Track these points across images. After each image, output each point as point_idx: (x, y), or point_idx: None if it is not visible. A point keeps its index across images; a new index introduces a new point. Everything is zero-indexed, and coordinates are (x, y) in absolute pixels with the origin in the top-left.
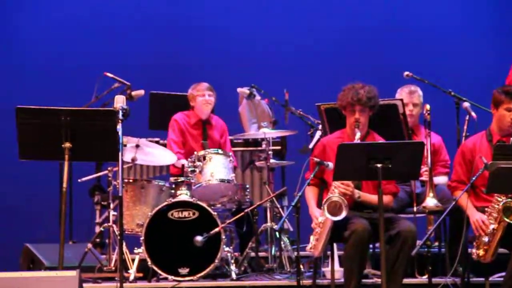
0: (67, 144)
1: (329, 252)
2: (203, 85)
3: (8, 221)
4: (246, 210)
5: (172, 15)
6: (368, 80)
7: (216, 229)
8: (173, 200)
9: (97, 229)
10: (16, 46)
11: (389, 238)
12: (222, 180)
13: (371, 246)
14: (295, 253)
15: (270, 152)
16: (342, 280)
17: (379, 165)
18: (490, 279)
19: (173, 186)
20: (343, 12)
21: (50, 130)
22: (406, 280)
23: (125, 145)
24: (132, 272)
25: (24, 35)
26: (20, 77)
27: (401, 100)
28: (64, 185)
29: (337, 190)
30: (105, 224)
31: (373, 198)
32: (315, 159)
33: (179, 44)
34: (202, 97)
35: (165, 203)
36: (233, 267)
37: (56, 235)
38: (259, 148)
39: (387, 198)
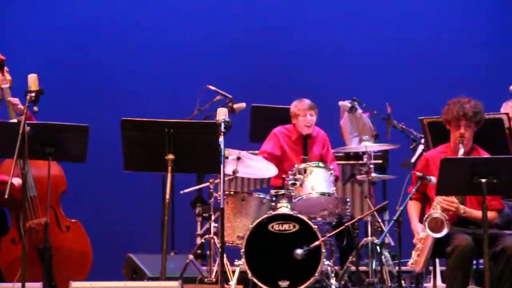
0: (170, 156)
1: (431, 268)
2: (305, 104)
3: (112, 231)
4: (346, 224)
5: (273, 28)
6: (473, 95)
7: (317, 242)
8: (273, 213)
9: (198, 240)
10: (122, 58)
11: (493, 255)
12: (322, 194)
13: (474, 262)
14: (397, 268)
15: (371, 166)
16: None
17: (483, 180)
18: None
19: (274, 198)
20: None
21: (154, 142)
22: None
23: (227, 158)
24: (233, 284)
25: (131, 48)
26: (125, 89)
27: (507, 114)
28: (167, 196)
29: (439, 206)
30: (206, 236)
31: (477, 214)
32: (418, 173)
33: (280, 57)
34: (304, 117)
35: (266, 215)
36: (333, 280)
37: (158, 246)
38: (360, 162)
39: (491, 214)
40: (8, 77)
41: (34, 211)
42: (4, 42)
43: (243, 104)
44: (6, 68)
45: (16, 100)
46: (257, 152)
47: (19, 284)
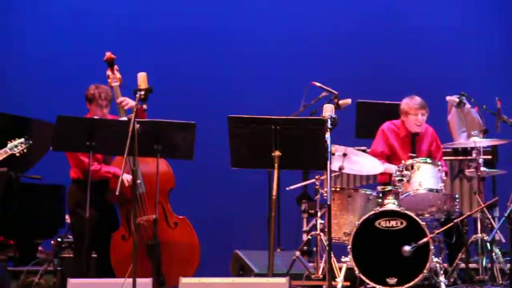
0: (277, 153)
1: None
2: (416, 103)
3: (219, 227)
4: (455, 221)
5: (377, 24)
6: None
7: (425, 239)
8: (380, 209)
9: (304, 237)
10: (227, 56)
11: None
12: (430, 190)
13: None
14: (508, 265)
15: (480, 161)
16: None
17: None
18: None
19: (380, 195)
20: None
21: (260, 138)
22: None
23: (333, 154)
24: (340, 280)
25: (235, 46)
26: (230, 86)
27: None
28: (274, 193)
29: None
30: (313, 232)
31: None
32: None
33: (385, 52)
34: (415, 116)
35: (373, 212)
36: (442, 278)
37: (264, 242)
38: (469, 157)
39: None
40: (118, 75)
41: (143, 207)
42: (116, 41)
43: (349, 100)
44: (116, 67)
45: (124, 102)
46: (363, 148)
47: (130, 280)
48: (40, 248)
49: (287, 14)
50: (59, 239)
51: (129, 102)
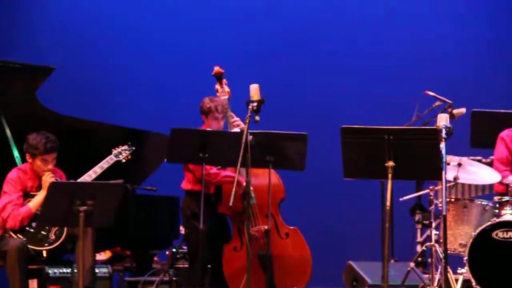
0: (390, 163)
1: None
2: None
3: (331, 238)
4: None
5: (489, 33)
6: None
7: None
8: (497, 220)
9: (419, 248)
10: (339, 67)
11: None
12: None
13: None
14: None
15: None
16: None
17: None
18: None
19: (497, 205)
20: None
21: (373, 149)
22: None
23: (448, 164)
24: None
25: (346, 56)
26: (342, 96)
27: None
28: (388, 203)
29: None
30: (427, 244)
31: None
32: None
33: (500, 59)
34: None
35: (489, 222)
36: None
37: (377, 253)
38: None
39: None
40: (226, 89)
41: (254, 219)
42: (223, 55)
43: (463, 110)
44: (224, 81)
45: (235, 121)
46: (478, 158)
47: None
48: (155, 258)
49: (397, 24)
50: (174, 250)
51: (241, 124)
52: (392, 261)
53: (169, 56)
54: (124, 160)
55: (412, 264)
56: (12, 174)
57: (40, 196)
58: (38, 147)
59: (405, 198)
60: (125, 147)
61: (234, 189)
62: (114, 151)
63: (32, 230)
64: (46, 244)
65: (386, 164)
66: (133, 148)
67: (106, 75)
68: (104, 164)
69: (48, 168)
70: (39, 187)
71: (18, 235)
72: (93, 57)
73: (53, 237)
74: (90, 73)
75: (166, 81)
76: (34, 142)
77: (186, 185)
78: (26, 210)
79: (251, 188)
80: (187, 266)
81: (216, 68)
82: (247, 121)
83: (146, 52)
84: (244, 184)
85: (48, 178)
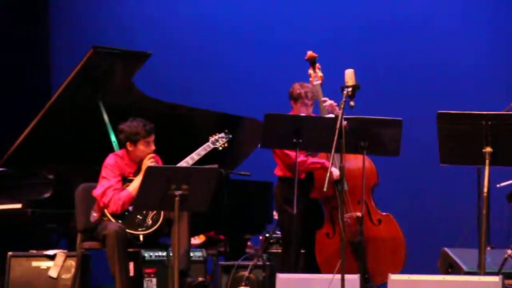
0: (488, 149)
1: None
2: None
3: (426, 225)
4: None
5: None
6: None
7: None
8: None
9: None
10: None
11: None
12: None
13: None
14: None
15: None
16: None
17: None
18: None
19: None
20: None
21: (471, 134)
22: None
23: None
24: None
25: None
26: (435, 82)
27: None
28: (485, 190)
29: None
30: None
31: None
32: None
33: None
34: None
35: None
36: None
37: (473, 240)
38: None
39: None
40: (319, 73)
41: (346, 205)
42: (317, 39)
43: None
44: (318, 65)
45: (326, 102)
46: None
47: (338, 276)
48: (249, 243)
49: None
50: (267, 235)
51: (332, 103)
52: (488, 248)
53: (263, 41)
54: (221, 148)
55: (509, 251)
56: (110, 160)
57: (139, 180)
58: (139, 131)
59: (502, 184)
60: (222, 134)
61: (328, 175)
62: (211, 139)
63: (129, 215)
64: (143, 229)
65: (483, 150)
66: (230, 136)
67: (197, 61)
68: (201, 151)
69: (152, 149)
70: (136, 172)
71: (116, 219)
72: (186, 43)
73: (150, 221)
74: (184, 60)
75: (259, 66)
76: (133, 129)
77: (278, 171)
78: (127, 194)
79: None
80: (280, 251)
81: (309, 53)
82: (342, 106)
83: (240, 37)
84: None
85: (148, 162)
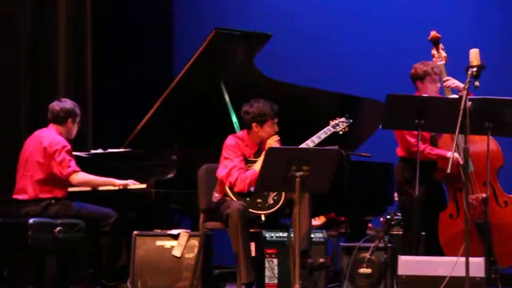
0: None
1: None
2: None
3: None
4: None
5: None
6: None
7: None
8: None
9: None
10: None
11: None
12: None
13: None
14: None
15: None
16: None
17: None
18: None
19: None
20: None
21: None
22: None
23: None
24: None
25: None
26: None
27: None
28: None
29: None
30: None
31: None
32: None
33: None
34: None
35: None
36: None
37: None
38: None
39: None
40: (443, 54)
41: (471, 186)
42: (440, 19)
43: None
44: (441, 45)
45: (450, 81)
46: None
47: (462, 259)
48: (369, 225)
49: None
50: (388, 217)
51: (455, 82)
52: None
53: (384, 21)
54: (341, 132)
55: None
56: (230, 141)
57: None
58: (266, 112)
59: None
60: (343, 119)
61: (452, 157)
62: (332, 123)
63: (251, 195)
64: (264, 209)
65: None
66: (351, 120)
67: (319, 42)
68: (322, 134)
69: (276, 130)
70: (256, 154)
71: (239, 198)
72: (306, 24)
73: (272, 201)
74: (303, 40)
75: (381, 47)
76: (261, 110)
77: (400, 151)
78: (253, 173)
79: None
80: (401, 233)
81: (433, 33)
82: (466, 86)
83: (361, 18)
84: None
85: (272, 142)
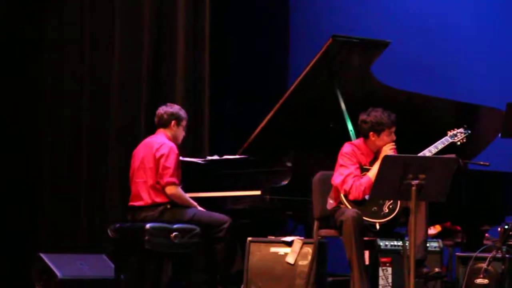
0: None
1: None
2: None
3: None
4: None
5: None
6: None
7: None
8: None
9: None
10: None
11: None
12: None
13: None
14: None
15: None
16: None
17: None
18: None
19: None
20: None
21: None
22: None
23: None
24: None
25: None
26: None
27: None
28: None
29: None
30: None
31: None
32: None
33: None
34: None
35: None
36: None
37: None
38: None
39: None
40: None
41: None
42: None
43: None
44: None
45: None
46: None
47: None
48: (486, 235)
49: None
50: (506, 227)
51: None
52: None
53: (505, 26)
54: (459, 143)
55: None
56: (347, 148)
57: (377, 166)
58: (384, 122)
59: None
60: (461, 129)
61: None
62: (450, 133)
63: (366, 203)
64: (379, 217)
65: None
66: (469, 131)
67: (436, 48)
68: (439, 144)
69: (393, 139)
70: (372, 162)
71: (354, 206)
72: (424, 32)
73: (387, 210)
74: (421, 47)
75: (503, 52)
76: (379, 119)
77: None
78: (367, 180)
79: None
80: None
81: None
82: None
83: (480, 25)
84: None
85: (388, 149)
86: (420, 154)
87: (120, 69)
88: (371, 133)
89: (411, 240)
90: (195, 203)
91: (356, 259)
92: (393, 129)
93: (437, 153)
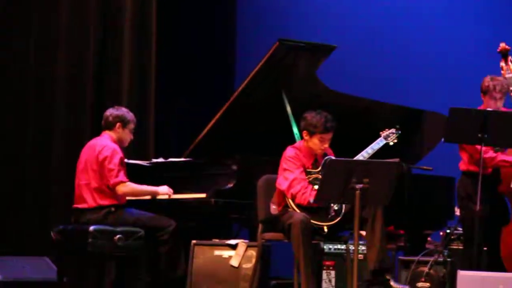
0: None
1: None
2: None
3: None
4: None
5: None
6: None
7: None
8: None
9: None
10: None
11: None
12: None
13: None
14: None
15: None
16: None
17: None
18: None
19: None
20: None
21: None
22: None
23: None
24: None
25: None
26: None
27: None
28: None
29: None
30: None
31: None
32: None
33: None
34: None
35: None
36: None
37: None
38: None
39: None
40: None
41: None
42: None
43: None
44: (510, 58)
45: None
46: None
47: None
48: (429, 239)
49: None
50: (448, 231)
51: None
52: None
53: (450, 31)
54: (391, 143)
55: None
56: (290, 152)
57: None
58: (318, 125)
59: None
60: (393, 130)
61: None
62: (383, 134)
63: (312, 206)
64: (327, 220)
65: None
66: (400, 132)
67: (381, 53)
68: (375, 145)
69: (324, 147)
70: (314, 165)
71: (301, 210)
72: (370, 36)
73: (333, 213)
74: (366, 52)
75: (446, 58)
76: (314, 121)
77: (462, 165)
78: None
79: None
80: (461, 247)
81: (502, 45)
82: None
83: (429, 29)
84: None
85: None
86: (358, 156)
87: (65, 66)
88: (305, 132)
89: (355, 244)
90: (154, 188)
91: (304, 263)
92: (327, 136)
93: (380, 156)
